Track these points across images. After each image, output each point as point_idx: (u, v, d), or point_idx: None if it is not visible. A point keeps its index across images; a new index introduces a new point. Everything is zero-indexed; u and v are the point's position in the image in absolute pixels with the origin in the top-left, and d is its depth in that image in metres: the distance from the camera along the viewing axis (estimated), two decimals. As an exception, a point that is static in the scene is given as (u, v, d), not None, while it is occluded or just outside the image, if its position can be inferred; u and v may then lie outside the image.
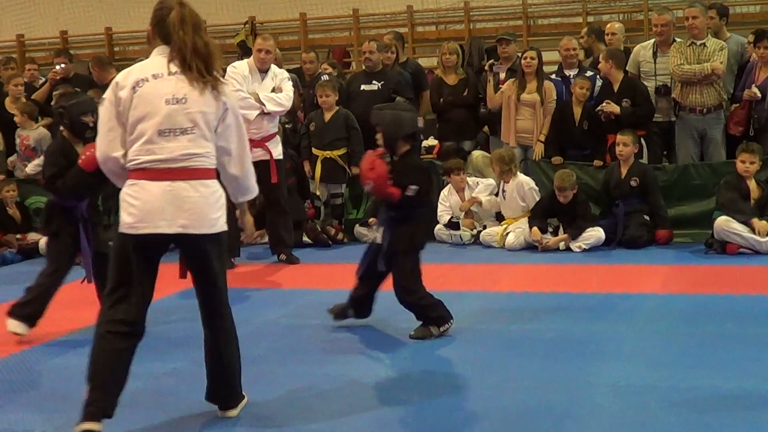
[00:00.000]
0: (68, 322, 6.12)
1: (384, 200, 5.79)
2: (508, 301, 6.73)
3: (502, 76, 9.73)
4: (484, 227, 9.18)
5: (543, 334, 5.71)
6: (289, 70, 9.25)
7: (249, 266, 8.53)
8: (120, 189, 4.11)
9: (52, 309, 6.09)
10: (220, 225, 4.08)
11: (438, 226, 9.28)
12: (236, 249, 8.54)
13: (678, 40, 9.13)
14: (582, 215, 8.63)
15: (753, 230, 7.97)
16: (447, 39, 11.85)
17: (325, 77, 9.91)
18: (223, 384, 4.34)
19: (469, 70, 10.34)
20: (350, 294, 5.99)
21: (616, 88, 9.02)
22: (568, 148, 9.35)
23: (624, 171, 8.72)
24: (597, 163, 9.16)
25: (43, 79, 11.19)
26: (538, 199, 8.93)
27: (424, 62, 12.31)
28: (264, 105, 8.12)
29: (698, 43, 8.82)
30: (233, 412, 4.38)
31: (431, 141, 10.81)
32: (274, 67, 8.43)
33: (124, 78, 4.03)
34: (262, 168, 8.19)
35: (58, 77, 10.86)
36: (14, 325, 5.85)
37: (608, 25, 10.31)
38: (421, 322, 5.76)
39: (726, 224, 7.99)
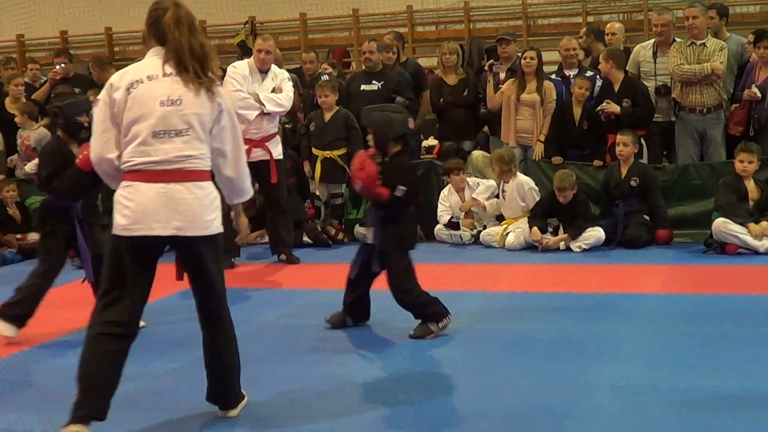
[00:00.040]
0: (68, 322, 6.12)
1: (373, 200, 5.84)
2: (508, 301, 6.73)
3: (502, 76, 9.73)
4: (484, 227, 9.18)
5: (543, 334, 5.71)
6: (289, 70, 9.25)
7: (249, 266, 8.53)
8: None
9: (52, 309, 6.10)
10: (215, 227, 4.07)
11: (438, 226, 9.29)
12: (236, 249, 8.54)
13: (678, 40, 9.13)
14: (582, 215, 8.63)
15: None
16: (447, 39, 11.84)
17: (325, 77, 9.91)
18: (223, 384, 4.34)
19: (469, 70, 10.33)
20: (344, 300, 6.01)
21: (616, 88, 9.01)
22: (567, 148, 9.35)
23: (624, 171, 8.72)
24: (597, 163, 9.15)
25: (44, 79, 11.20)
26: (538, 199, 8.93)
27: (423, 62, 12.31)
28: (264, 105, 8.12)
29: (698, 43, 8.82)
30: (233, 412, 4.38)
31: (431, 141, 10.83)
32: (274, 67, 8.43)
33: (119, 79, 4.02)
34: (262, 168, 8.22)
35: (58, 77, 10.86)
36: (2, 328, 5.83)
37: (608, 25, 10.30)
38: (419, 321, 5.75)
39: (724, 226, 7.99)
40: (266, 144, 8.22)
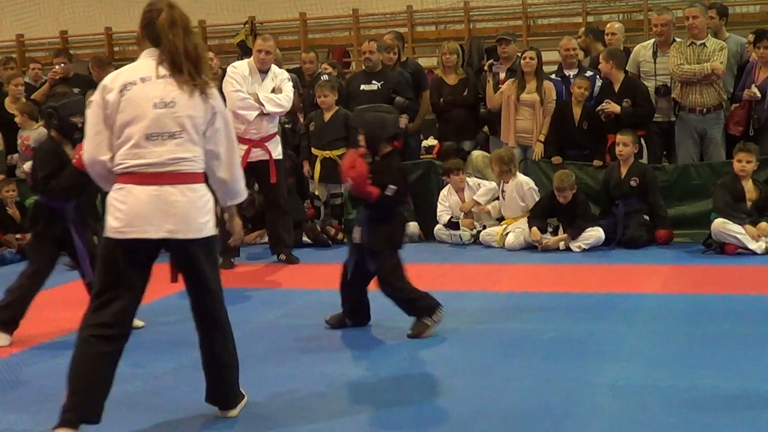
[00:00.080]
0: (67, 322, 6.09)
1: (362, 199, 5.86)
2: (508, 301, 6.73)
3: (502, 76, 9.73)
4: (484, 227, 9.18)
5: (543, 334, 5.71)
6: (288, 70, 9.25)
7: (249, 266, 8.53)
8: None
9: (51, 309, 6.10)
10: (208, 229, 4.04)
11: (438, 226, 9.29)
12: (236, 249, 8.54)
13: (678, 40, 9.13)
14: (581, 215, 8.62)
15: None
16: (447, 39, 11.85)
17: (325, 77, 9.91)
18: (222, 385, 4.33)
19: (469, 70, 10.33)
20: (342, 305, 6.01)
21: (616, 88, 9.01)
22: (567, 148, 9.35)
23: (624, 171, 8.72)
24: (596, 163, 9.15)
25: (45, 79, 11.20)
26: (537, 199, 8.93)
27: (423, 62, 12.31)
28: (263, 106, 8.12)
29: (698, 43, 8.82)
30: (233, 412, 4.37)
31: (431, 141, 10.83)
32: (274, 67, 8.43)
33: (112, 81, 3.99)
34: (261, 168, 8.22)
35: (57, 77, 10.86)
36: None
37: (608, 25, 10.30)
38: (413, 319, 5.78)
39: (723, 226, 7.99)
40: (266, 144, 8.22)
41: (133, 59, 4.19)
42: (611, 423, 4.19)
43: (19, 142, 10.02)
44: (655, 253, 8.35)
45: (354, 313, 6.00)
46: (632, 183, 8.66)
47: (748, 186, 8.19)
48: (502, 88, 9.56)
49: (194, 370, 4.54)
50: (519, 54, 9.73)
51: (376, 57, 9.91)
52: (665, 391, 4.52)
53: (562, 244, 8.58)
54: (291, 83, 8.50)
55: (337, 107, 9.45)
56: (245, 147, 8.17)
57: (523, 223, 8.84)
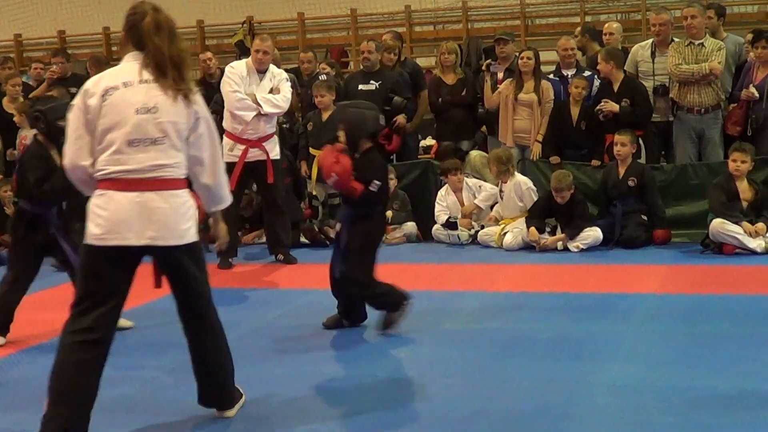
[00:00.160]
0: (62, 323, 6.09)
1: (345, 196, 5.87)
2: (506, 301, 6.72)
3: (500, 75, 9.73)
4: (482, 227, 9.18)
5: (541, 334, 5.71)
6: (287, 70, 9.25)
7: (246, 266, 8.53)
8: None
9: (45, 311, 6.09)
10: (191, 235, 4.00)
11: (436, 226, 9.29)
12: (234, 249, 8.54)
13: (676, 39, 9.13)
14: (579, 215, 8.62)
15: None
16: (445, 39, 11.85)
17: (323, 77, 9.90)
18: (215, 387, 4.30)
19: (468, 70, 10.33)
20: (337, 306, 6.01)
21: (616, 87, 9.01)
22: (565, 148, 9.35)
23: (622, 171, 8.72)
24: (595, 162, 9.16)
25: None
26: (535, 199, 8.93)
27: (422, 62, 12.32)
28: (261, 106, 8.11)
29: (696, 43, 8.82)
30: (231, 413, 4.36)
31: (429, 141, 10.82)
32: (272, 67, 8.42)
33: (94, 85, 3.94)
34: (259, 168, 8.21)
35: (55, 77, 10.85)
36: None
37: (606, 25, 10.30)
38: (382, 314, 5.82)
39: (721, 226, 7.99)
40: (263, 144, 8.21)
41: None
42: (610, 423, 4.19)
43: (17, 141, 10.01)
44: (653, 253, 8.36)
45: (349, 312, 6.00)
46: (630, 183, 8.66)
47: (743, 186, 8.19)
48: (500, 88, 9.56)
49: (191, 371, 4.53)
50: (517, 54, 9.73)
51: (374, 57, 9.91)
52: (664, 391, 4.52)
53: (560, 244, 8.58)
54: (289, 83, 8.49)
55: (335, 107, 9.44)
56: (243, 147, 8.19)
57: (521, 223, 8.84)
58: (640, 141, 9.04)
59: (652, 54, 9.23)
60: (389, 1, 14.16)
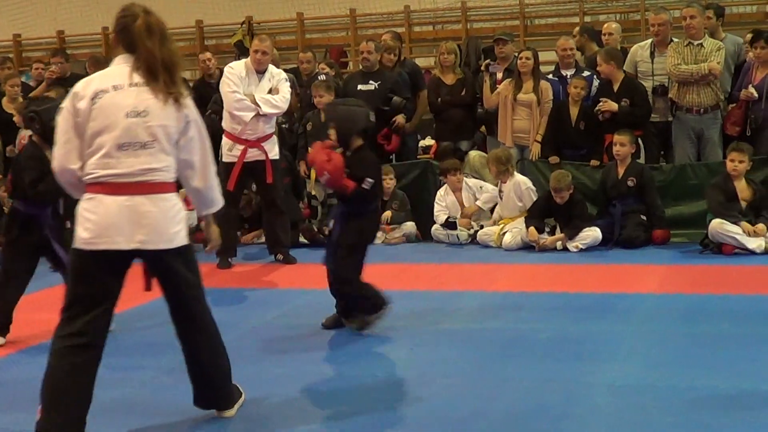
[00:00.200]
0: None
1: (338, 193, 5.88)
2: (506, 300, 6.72)
3: (500, 76, 9.73)
4: (481, 227, 9.18)
5: (540, 334, 5.71)
6: (286, 70, 9.24)
7: (246, 266, 8.53)
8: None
9: (48, 310, 6.06)
10: (180, 239, 3.98)
11: (435, 226, 9.29)
12: (233, 249, 8.55)
13: (675, 40, 9.13)
14: (579, 215, 8.62)
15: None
16: (444, 39, 11.85)
17: (322, 77, 9.90)
18: (211, 389, 4.29)
19: (467, 70, 10.33)
20: (336, 306, 6.01)
21: (615, 87, 9.01)
22: (564, 148, 9.35)
23: (621, 171, 8.72)
24: (594, 162, 9.16)
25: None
26: (535, 199, 8.93)
27: (421, 62, 12.32)
28: (259, 107, 8.10)
29: (695, 43, 8.82)
30: (230, 413, 4.36)
31: (428, 141, 10.82)
32: (271, 67, 8.42)
33: (84, 88, 3.91)
34: (258, 168, 8.21)
35: (54, 77, 10.84)
36: None
37: (605, 25, 10.30)
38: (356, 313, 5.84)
39: (720, 227, 7.99)
40: (262, 144, 8.21)
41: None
42: (609, 423, 4.19)
43: (17, 141, 10.01)
44: (653, 253, 8.36)
45: (348, 311, 5.99)
46: (629, 183, 8.66)
47: (741, 186, 8.18)
48: (499, 88, 9.55)
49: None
50: (516, 54, 9.73)
51: (373, 57, 9.91)
52: (663, 391, 4.52)
53: (559, 244, 8.58)
54: (288, 83, 8.49)
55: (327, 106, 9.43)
56: (242, 147, 8.19)
57: (520, 222, 8.84)
58: (640, 141, 9.04)
59: (652, 54, 9.24)
60: (388, 1, 14.17)
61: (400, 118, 9.74)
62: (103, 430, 4.03)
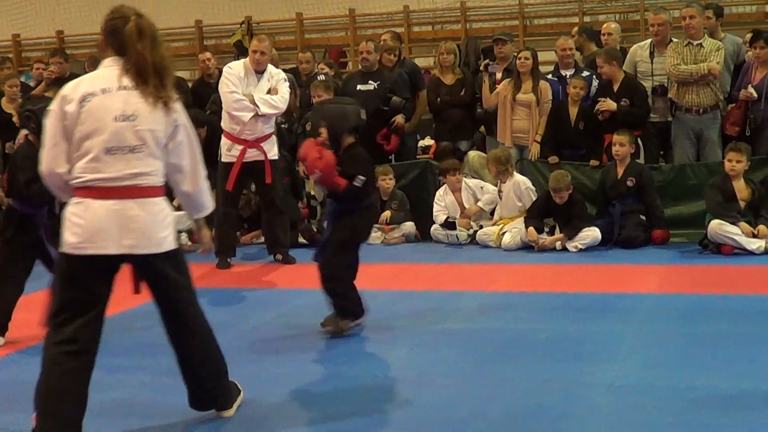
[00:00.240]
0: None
1: (330, 191, 5.88)
2: (505, 300, 6.72)
3: (499, 76, 9.73)
4: (481, 227, 9.18)
5: (539, 334, 5.71)
6: (285, 70, 9.24)
7: (245, 266, 8.52)
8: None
9: (44, 311, 6.07)
10: (169, 243, 3.96)
11: (434, 226, 9.29)
12: (232, 249, 8.55)
13: (675, 40, 9.13)
14: (578, 215, 8.62)
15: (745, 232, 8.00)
16: (443, 39, 11.86)
17: (321, 77, 9.90)
18: (204, 391, 4.27)
19: (466, 70, 10.34)
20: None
21: (616, 87, 9.01)
22: (564, 148, 9.35)
23: (620, 171, 8.72)
24: (593, 162, 9.16)
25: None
26: (534, 198, 8.93)
27: (420, 62, 12.32)
28: (258, 107, 8.10)
29: (695, 43, 8.82)
30: (229, 413, 4.35)
31: (428, 141, 10.82)
32: (270, 67, 8.41)
33: (72, 91, 3.88)
34: (257, 168, 8.21)
35: (53, 76, 10.84)
36: None
37: (604, 25, 10.31)
38: (334, 313, 5.81)
39: (719, 227, 7.99)
40: (261, 145, 8.20)
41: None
42: (608, 423, 4.19)
43: (17, 140, 10.00)
44: (652, 253, 8.36)
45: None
46: (629, 183, 8.66)
47: (739, 185, 8.18)
48: (498, 89, 9.55)
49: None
50: (515, 54, 9.73)
51: (373, 57, 9.91)
52: (662, 391, 4.52)
53: (558, 244, 8.58)
54: (287, 84, 8.48)
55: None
56: (241, 147, 8.18)
57: (519, 223, 8.84)
58: (639, 141, 9.04)
59: (651, 54, 9.23)
60: (388, 1, 14.18)
61: (399, 118, 9.74)
62: (103, 431, 4.02)
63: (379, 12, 14.35)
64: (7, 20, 15.78)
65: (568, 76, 9.50)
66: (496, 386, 4.73)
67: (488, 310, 6.44)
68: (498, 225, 9.02)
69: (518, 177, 9.03)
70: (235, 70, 8.25)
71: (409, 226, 9.47)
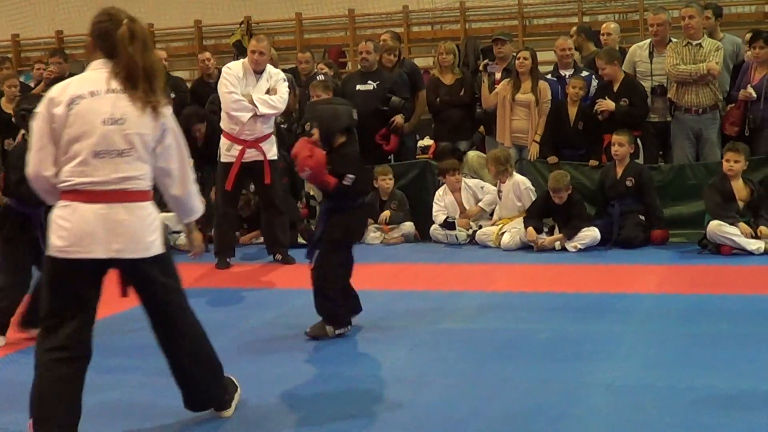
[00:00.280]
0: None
1: (321, 189, 5.88)
2: (504, 301, 6.72)
3: (498, 76, 9.73)
4: (480, 227, 9.18)
5: (539, 334, 5.71)
6: (284, 70, 9.24)
7: (244, 266, 8.53)
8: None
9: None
10: (156, 248, 3.94)
11: (434, 226, 9.29)
12: (231, 249, 8.55)
13: (674, 40, 9.13)
14: (577, 215, 8.62)
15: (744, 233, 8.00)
16: (443, 39, 11.86)
17: (321, 77, 9.90)
18: (198, 392, 4.26)
19: (466, 70, 10.34)
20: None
21: (616, 87, 9.01)
22: (563, 148, 9.35)
23: (619, 171, 8.72)
24: (592, 163, 9.16)
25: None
26: (534, 198, 8.93)
27: (419, 62, 12.33)
28: (257, 107, 8.10)
29: (694, 43, 8.82)
30: (228, 413, 4.36)
31: (427, 141, 10.82)
32: (269, 67, 8.41)
33: (60, 93, 3.85)
34: (256, 169, 8.21)
35: (53, 77, 10.83)
36: None
37: (604, 25, 10.31)
38: (321, 319, 5.81)
39: (718, 228, 7.99)
40: (260, 145, 8.20)
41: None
42: (608, 423, 4.19)
43: (17, 140, 10.00)
44: (651, 253, 8.36)
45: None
46: (628, 183, 8.66)
47: (738, 186, 8.18)
48: (497, 89, 9.55)
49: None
50: (514, 54, 9.73)
51: (372, 57, 9.91)
52: (662, 391, 4.52)
53: (557, 244, 8.58)
54: (286, 83, 8.48)
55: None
56: (240, 147, 8.18)
57: (518, 223, 8.84)
58: (638, 141, 9.04)
59: (650, 54, 9.23)
60: (387, 1, 14.18)
61: (398, 118, 9.74)
62: (101, 423, 4.02)
63: (378, 12, 14.35)
64: (7, 20, 15.78)
65: (567, 76, 9.50)
66: (496, 386, 4.74)
67: (488, 310, 6.44)
68: (497, 225, 9.02)
69: (518, 177, 9.03)
70: (233, 70, 8.25)
71: (408, 226, 9.47)
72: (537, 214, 8.78)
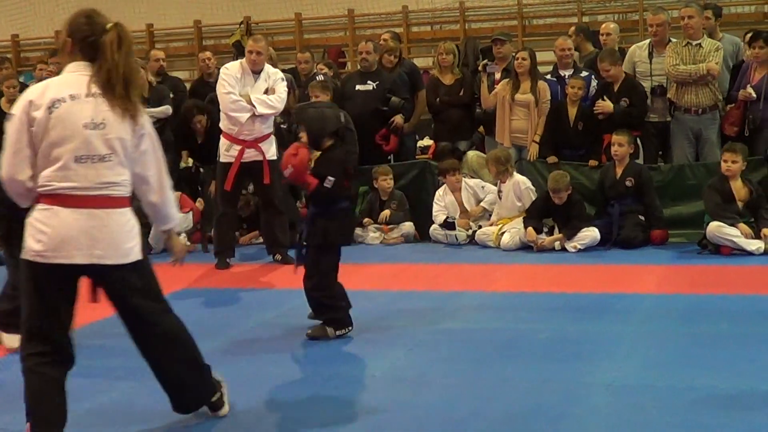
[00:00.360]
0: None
1: (307, 193, 5.92)
2: (504, 301, 6.72)
3: (497, 76, 9.73)
4: (480, 227, 9.18)
5: (538, 334, 5.70)
6: (284, 70, 9.24)
7: (244, 267, 8.53)
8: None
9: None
10: (135, 254, 3.92)
11: (433, 226, 9.29)
12: (231, 249, 8.55)
13: (674, 40, 9.13)
14: (577, 215, 8.62)
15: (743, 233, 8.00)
16: (442, 39, 11.86)
17: (320, 77, 9.89)
18: (182, 393, 4.24)
19: (465, 70, 10.34)
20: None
21: (616, 87, 9.01)
22: (562, 149, 9.35)
23: (619, 171, 8.73)
24: (592, 163, 9.16)
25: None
26: (534, 198, 8.93)
27: (419, 62, 12.33)
28: (255, 108, 8.09)
29: (694, 43, 8.82)
30: (223, 411, 4.34)
31: (427, 141, 10.82)
32: (268, 67, 8.41)
33: (39, 96, 3.78)
34: (255, 169, 8.21)
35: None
36: (7, 339, 5.79)
37: (603, 26, 10.31)
38: (321, 322, 5.80)
39: (718, 229, 7.99)
40: (259, 145, 8.20)
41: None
42: (607, 423, 4.19)
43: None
44: (651, 253, 8.36)
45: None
46: (627, 183, 8.66)
47: (737, 186, 8.18)
48: (497, 89, 9.55)
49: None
50: (514, 54, 9.73)
51: (372, 57, 9.90)
52: (661, 391, 4.52)
53: (557, 245, 8.58)
54: (284, 83, 8.47)
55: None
56: (239, 148, 8.18)
57: (518, 223, 8.84)
58: (638, 141, 9.04)
59: (650, 54, 9.23)
60: (386, 1, 14.19)
61: (398, 119, 9.74)
62: (100, 423, 4.01)
63: (378, 12, 14.36)
64: (6, 20, 15.78)
65: (566, 77, 9.50)
66: (496, 386, 4.73)
67: (487, 310, 6.44)
68: (497, 225, 9.02)
69: (518, 177, 9.03)
70: (231, 70, 8.25)
71: (408, 226, 9.47)
72: (537, 215, 8.78)
